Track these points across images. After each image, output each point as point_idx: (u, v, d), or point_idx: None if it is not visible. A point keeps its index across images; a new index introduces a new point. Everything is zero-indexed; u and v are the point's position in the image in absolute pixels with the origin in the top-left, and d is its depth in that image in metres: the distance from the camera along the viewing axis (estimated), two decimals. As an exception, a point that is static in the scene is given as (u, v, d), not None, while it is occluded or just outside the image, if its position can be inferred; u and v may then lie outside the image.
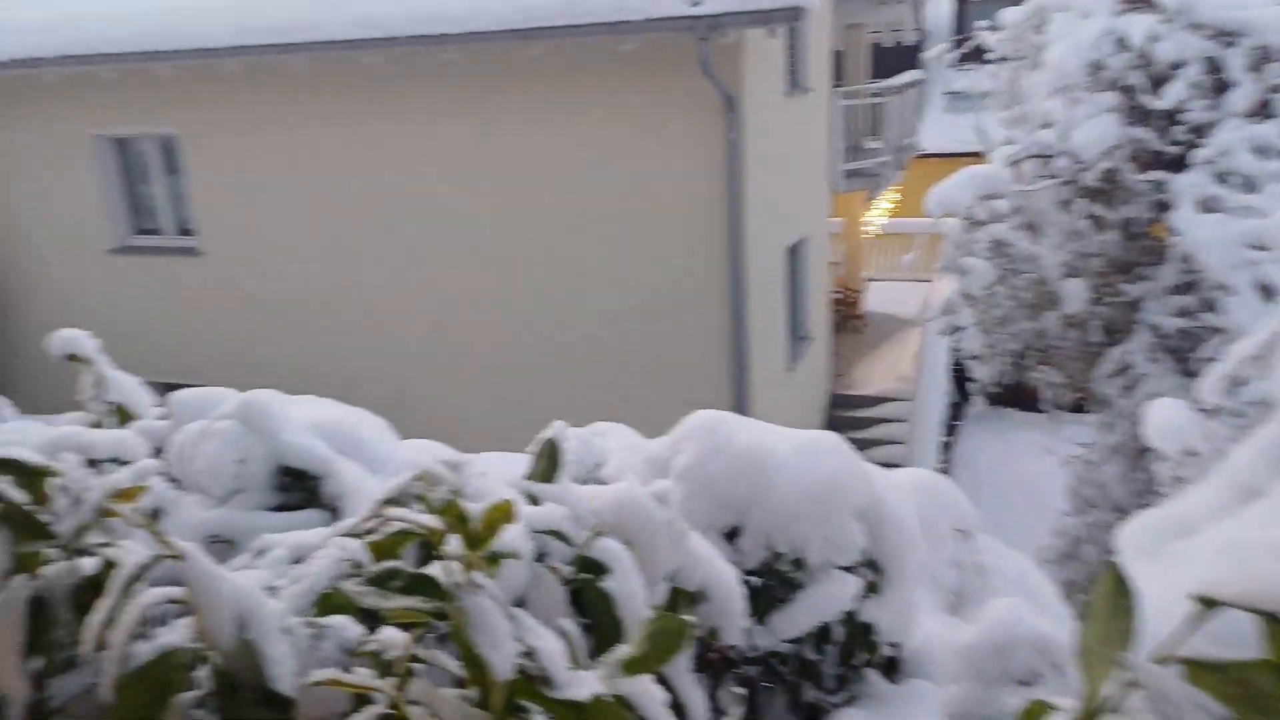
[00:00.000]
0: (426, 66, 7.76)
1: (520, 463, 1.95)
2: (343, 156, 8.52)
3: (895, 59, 15.03)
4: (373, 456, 1.64)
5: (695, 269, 7.66)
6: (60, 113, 9.42)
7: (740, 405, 7.56)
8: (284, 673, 0.71)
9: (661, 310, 7.87)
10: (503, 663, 0.68)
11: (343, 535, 1.13)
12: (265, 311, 9.32)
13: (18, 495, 0.94)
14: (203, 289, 9.52)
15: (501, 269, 8.29)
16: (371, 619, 0.90)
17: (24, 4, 9.10)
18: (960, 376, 11.00)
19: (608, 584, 1.11)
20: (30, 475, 0.99)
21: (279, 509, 1.59)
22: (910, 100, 12.60)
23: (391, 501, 1.17)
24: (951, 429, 11.63)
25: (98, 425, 1.93)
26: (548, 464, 1.34)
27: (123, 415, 1.99)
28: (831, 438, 1.89)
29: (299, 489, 1.63)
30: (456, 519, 0.76)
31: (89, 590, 0.98)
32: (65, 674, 0.97)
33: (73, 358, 2.00)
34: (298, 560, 1.17)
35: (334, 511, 1.58)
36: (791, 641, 1.72)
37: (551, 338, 8.33)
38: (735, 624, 1.22)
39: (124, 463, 1.43)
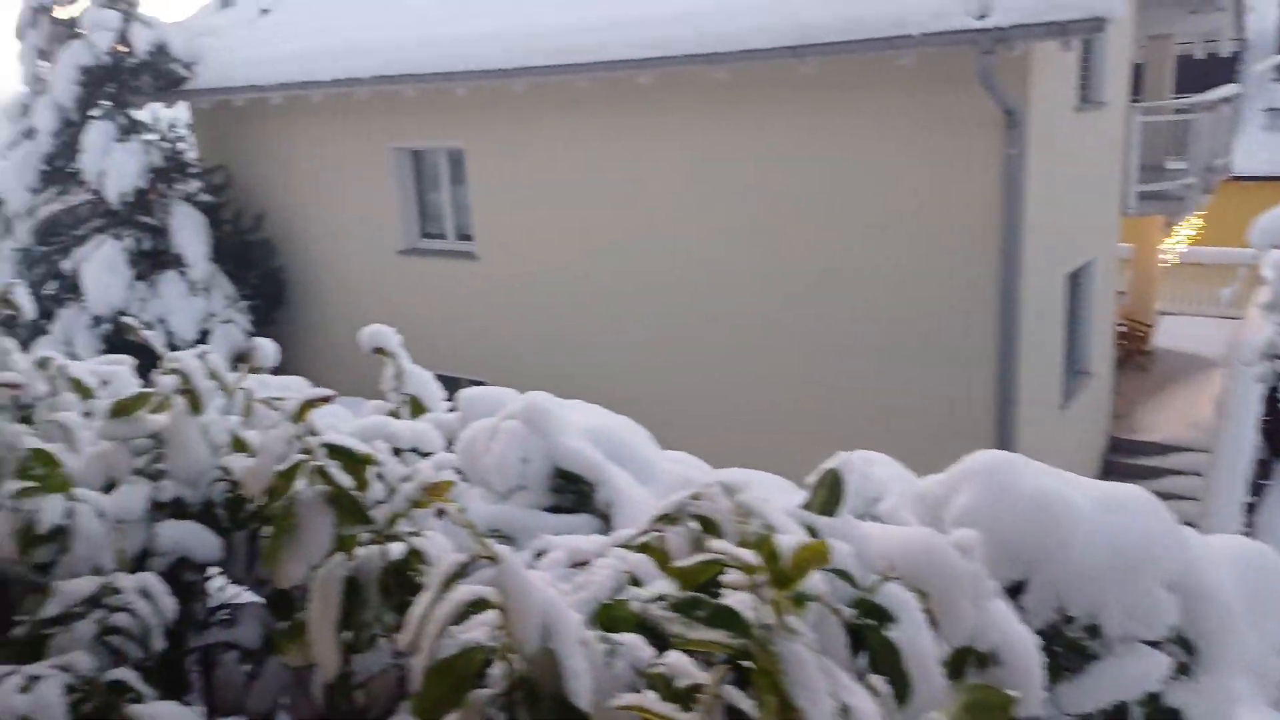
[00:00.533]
0: (697, 84, 7.91)
1: (776, 485, 1.89)
2: (613, 169, 8.88)
3: (1205, 71, 13.53)
4: (640, 466, 1.65)
5: (963, 291, 7.24)
6: (366, 127, 10.52)
7: (1004, 440, 7.05)
8: (582, 687, 0.70)
9: (922, 332, 7.53)
10: (821, 718, 0.63)
11: (621, 546, 1.13)
12: (533, 313, 9.88)
13: (344, 480, 1.02)
14: (478, 290, 10.26)
15: (759, 283, 8.28)
16: (657, 640, 0.88)
17: (339, 31, 10.26)
18: (1272, 429, 9.66)
19: (894, 634, 1.03)
20: (355, 461, 1.07)
21: (552, 510, 1.64)
22: (1224, 117, 11.26)
23: (667, 518, 1.15)
24: (1257, 489, 10.23)
25: (395, 414, 2.09)
26: (828, 496, 1.26)
27: (416, 407, 2.14)
28: (1141, 494, 1.68)
29: (571, 492, 1.67)
30: (768, 555, 0.71)
31: (395, 575, 1.04)
32: (368, 652, 1.04)
33: (379, 350, 2.19)
34: (575, 565, 1.19)
35: (604, 518, 1.61)
36: (1080, 718, 1.54)
37: (802, 357, 8.21)
38: (1034, 695, 1.09)
39: (423, 453, 1.53)
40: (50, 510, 1.29)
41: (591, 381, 9.49)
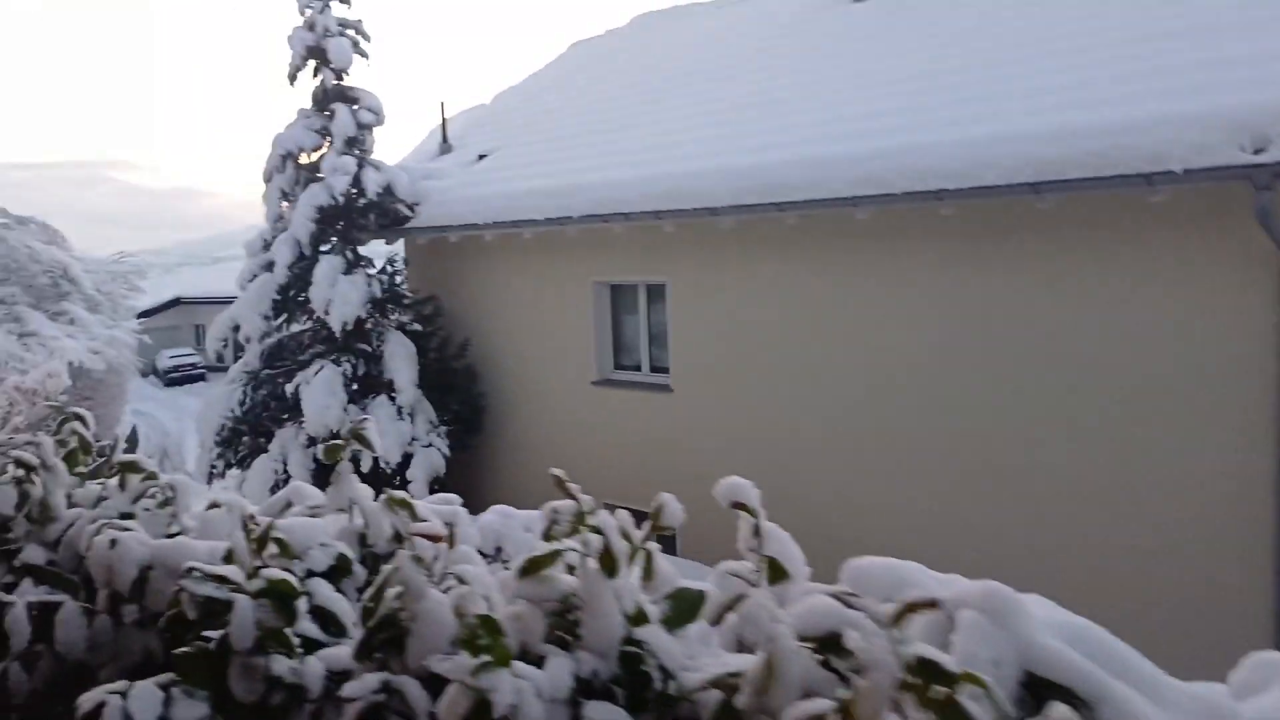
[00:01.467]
0: (918, 222, 7.72)
1: None
2: (821, 308, 8.71)
3: None
4: (1142, 681, 1.33)
5: (1235, 460, 6.46)
6: (573, 261, 10.87)
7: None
8: None
9: (1186, 515, 6.72)
10: None
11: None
12: (729, 447, 9.66)
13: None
14: (670, 421, 10.16)
15: (991, 438, 7.75)
16: None
17: (551, 174, 10.78)
18: None
19: None
20: (947, 680, 0.86)
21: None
22: None
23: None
24: None
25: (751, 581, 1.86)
26: None
27: (775, 570, 1.90)
28: None
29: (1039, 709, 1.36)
30: None
31: None
32: None
33: (738, 506, 1.98)
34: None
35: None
36: None
37: (1038, 519, 7.54)
38: None
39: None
40: (504, 689, 1.11)
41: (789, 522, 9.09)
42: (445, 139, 13.70)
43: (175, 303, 39.48)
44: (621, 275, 10.62)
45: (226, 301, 12.64)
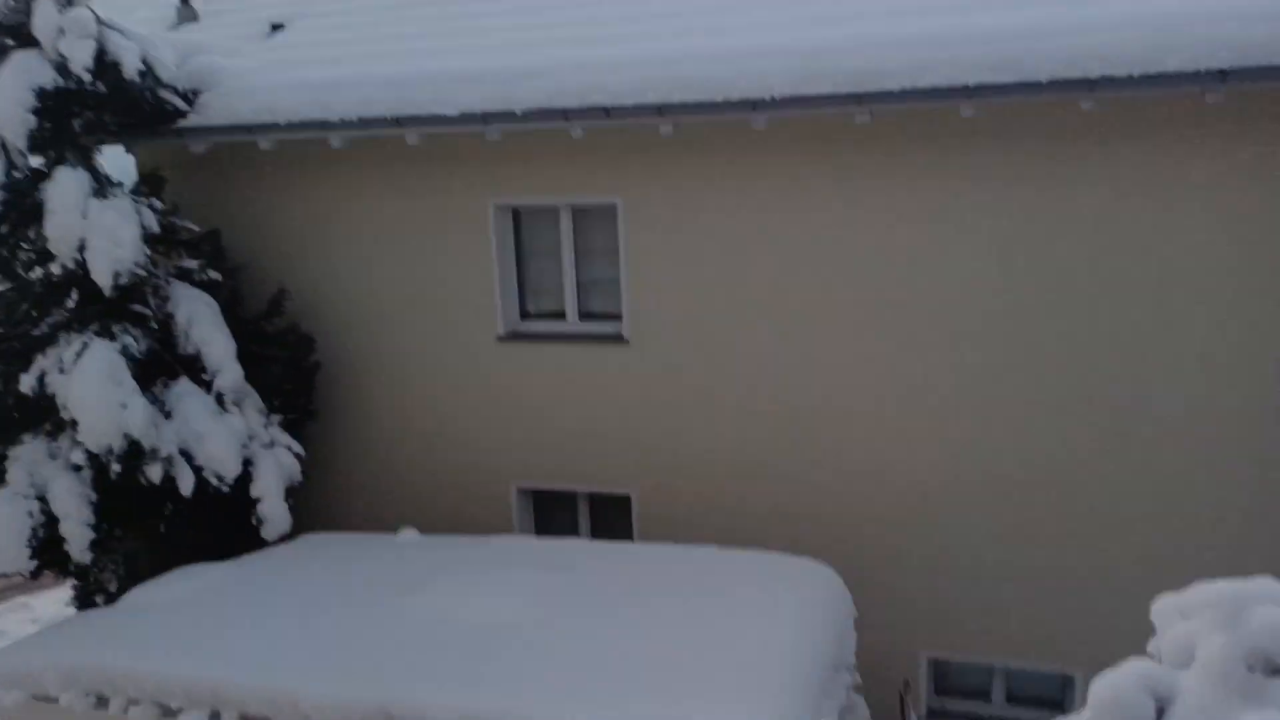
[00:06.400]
0: (1032, 124, 6.47)
1: None
2: (846, 235, 7.16)
3: None
4: None
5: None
6: (463, 176, 8.05)
7: None
8: None
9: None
10: None
11: None
12: (708, 411, 7.81)
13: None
14: (626, 384, 8.02)
15: (1047, 365, 6.85)
16: None
17: (435, 54, 7.84)
18: None
19: None
20: None
21: None
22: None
23: None
24: None
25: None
26: None
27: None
28: None
29: None
30: None
31: None
32: None
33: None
34: None
35: None
36: None
37: (1100, 458, 6.84)
38: None
39: None
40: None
41: (798, 511, 7.59)
42: (186, 1, 9.57)
43: None
44: (537, 195, 8.04)
45: None
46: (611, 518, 8.44)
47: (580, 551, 6.41)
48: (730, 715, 4.10)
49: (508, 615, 5.09)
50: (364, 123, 7.52)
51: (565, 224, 8.17)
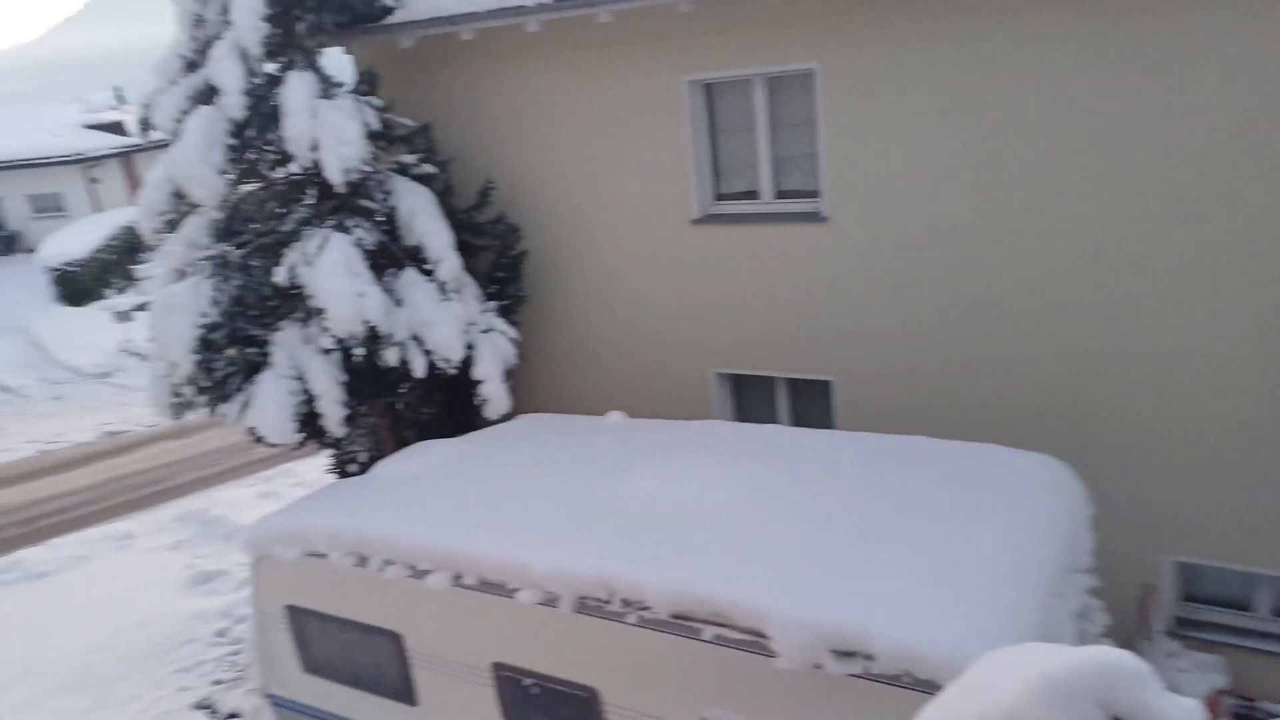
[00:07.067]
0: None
1: None
2: (1080, 109, 6.54)
3: None
4: None
5: None
6: (654, 54, 7.95)
7: None
8: None
9: None
10: None
11: None
12: (914, 294, 7.58)
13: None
14: (827, 262, 7.89)
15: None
16: None
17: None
18: None
19: None
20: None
21: None
22: None
23: None
24: None
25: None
26: None
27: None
28: None
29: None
30: None
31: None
32: None
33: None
34: None
35: None
36: None
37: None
38: None
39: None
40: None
41: (1017, 405, 7.23)
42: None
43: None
44: (730, 68, 7.85)
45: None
46: (811, 404, 8.48)
47: (784, 437, 6.50)
48: (948, 617, 4.02)
49: (716, 499, 5.33)
50: (559, 3, 7.56)
51: (760, 97, 7.96)
